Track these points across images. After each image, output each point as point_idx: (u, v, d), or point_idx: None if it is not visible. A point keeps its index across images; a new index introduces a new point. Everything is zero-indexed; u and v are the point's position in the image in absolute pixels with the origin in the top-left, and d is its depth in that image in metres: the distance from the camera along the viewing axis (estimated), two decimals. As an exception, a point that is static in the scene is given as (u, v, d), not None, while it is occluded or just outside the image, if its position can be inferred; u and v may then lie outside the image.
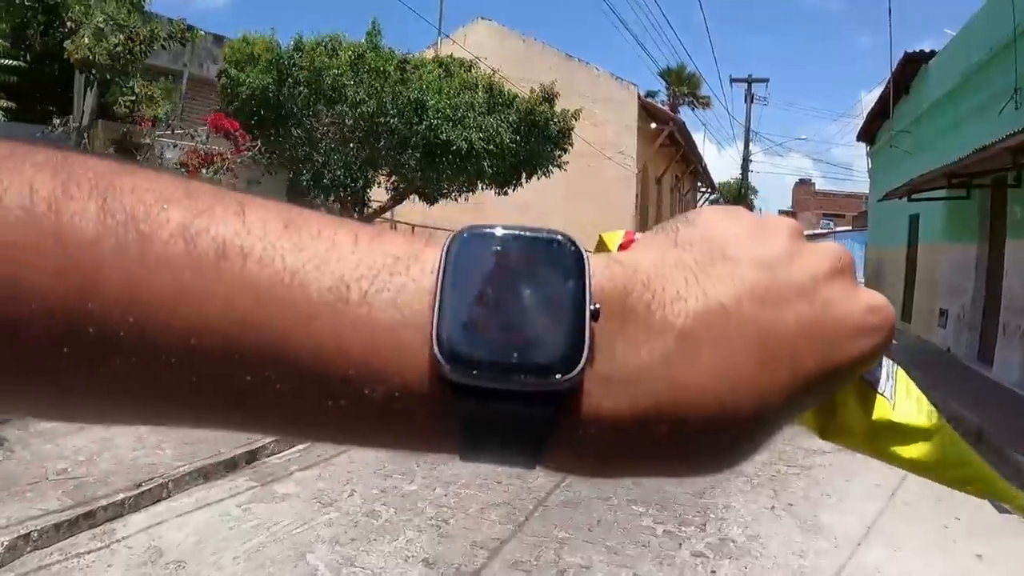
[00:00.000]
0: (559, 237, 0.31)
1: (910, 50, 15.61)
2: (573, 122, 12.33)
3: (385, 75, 9.80)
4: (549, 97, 11.23)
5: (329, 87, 9.88)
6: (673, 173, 27.11)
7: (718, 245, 0.32)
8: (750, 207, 38.43)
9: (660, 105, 27.86)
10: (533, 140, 11.04)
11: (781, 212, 70.17)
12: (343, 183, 10.56)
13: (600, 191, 19.99)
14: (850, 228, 54.13)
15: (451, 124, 9.76)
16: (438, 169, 10.52)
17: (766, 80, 37.94)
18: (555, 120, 11.61)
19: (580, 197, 20.13)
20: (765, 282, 0.31)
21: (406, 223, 21.97)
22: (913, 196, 12.64)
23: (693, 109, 42.63)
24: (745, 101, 37.89)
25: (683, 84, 41.09)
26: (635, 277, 0.30)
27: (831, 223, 59.07)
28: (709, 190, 39.10)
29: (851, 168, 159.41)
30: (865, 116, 20.19)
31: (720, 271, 0.31)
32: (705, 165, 28.99)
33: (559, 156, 12.51)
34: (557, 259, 0.30)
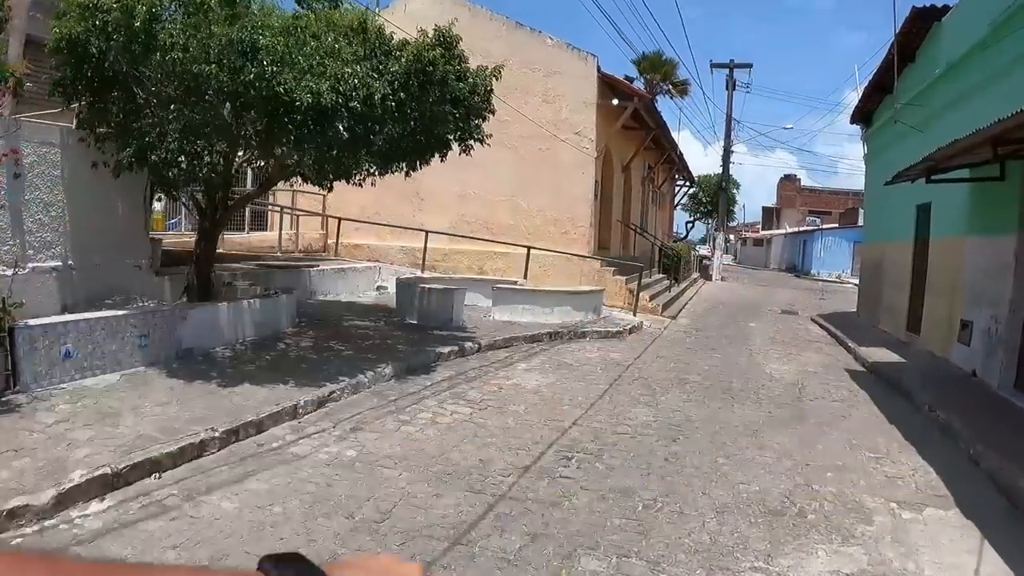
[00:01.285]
0: None
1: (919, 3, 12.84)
2: (493, 81, 9.46)
3: (206, 8, 6.90)
4: (446, 42, 8.37)
5: (141, 30, 6.97)
6: (645, 161, 24.32)
7: None
8: (731, 201, 35.64)
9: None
10: (429, 101, 8.18)
11: (765, 208, 67.74)
12: (174, 161, 7.67)
13: (554, 178, 17.21)
14: (837, 225, 52.02)
15: (293, 72, 6.88)
16: (276, 136, 7.61)
17: (749, 65, 35.27)
18: (460, 75, 8.75)
19: (532, 185, 17.37)
20: None
21: (341, 217, 19.14)
22: (934, 177, 9.85)
23: (671, 97, 39.90)
24: (726, 88, 35.19)
25: (659, 71, 38.35)
26: None
27: (817, 220, 56.74)
28: (687, 183, 36.34)
29: (839, 159, 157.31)
30: (861, 92, 17.43)
31: None
32: (681, 154, 26.22)
33: (476, 125, 9.63)
34: None
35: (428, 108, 8.44)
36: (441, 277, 15.29)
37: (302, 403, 6.99)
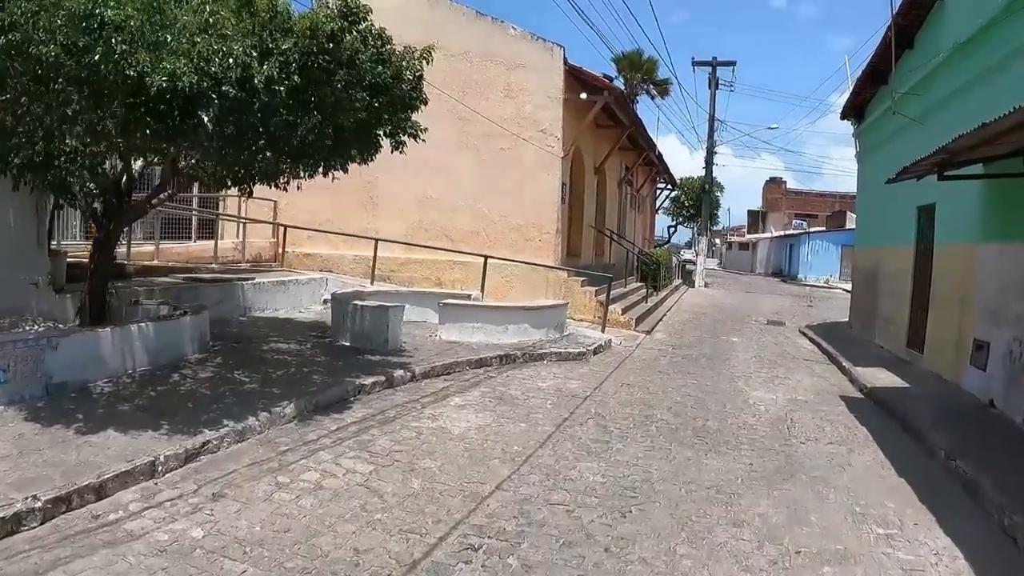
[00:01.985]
0: None
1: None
2: (421, 66, 7.90)
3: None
4: (350, 13, 6.80)
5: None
6: (621, 162, 22.79)
7: None
8: (715, 204, 34.20)
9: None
10: (337, 87, 6.61)
11: (750, 212, 66.49)
12: (39, 164, 6.09)
13: (517, 180, 15.68)
14: (824, 228, 50.77)
15: (152, 52, 5.30)
16: (132, 129, 5.98)
17: (732, 63, 33.84)
18: (380, 58, 7.17)
19: (494, 188, 15.83)
20: None
21: (287, 225, 17.51)
22: (948, 173, 8.34)
23: (652, 98, 38.53)
24: (709, 87, 33.77)
25: (639, 70, 36.92)
26: None
27: (804, 223, 55.47)
28: (669, 186, 34.87)
29: (825, 159, 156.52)
30: (852, 85, 15.98)
31: None
32: (660, 154, 24.68)
33: (404, 118, 8.08)
34: None
35: (335, 95, 6.85)
36: (387, 291, 13.74)
37: (163, 458, 5.42)
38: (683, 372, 10.69)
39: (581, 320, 14.57)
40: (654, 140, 22.96)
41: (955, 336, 10.04)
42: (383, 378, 8.67)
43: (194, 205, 18.23)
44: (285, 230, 17.06)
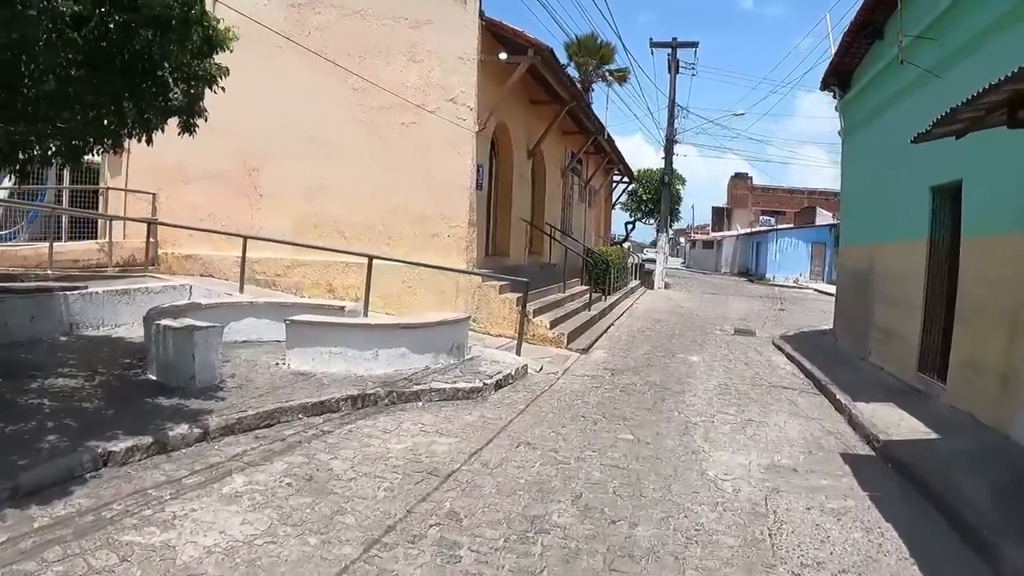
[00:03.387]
0: None
1: None
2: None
3: None
4: None
5: None
6: (566, 148, 19.63)
7: None
8: (675, 198, 31.16)
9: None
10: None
11: (715, 209, 63.90)
12: None
13: (421, 162, 12.53)
14: (792, 225, 48.18)
15: None
16: None
17: (694, 44, 30.94)
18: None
19: (393, 172, 12.68)
20: None
21: (148, 220, 14.20)
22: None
23: (609, 85, 35.45)
24: (669, 71, 30.79)
25: (594, 56, 33.78)
26: None
27: (772, 220, 52.89)
28: (626, 179, 31.80)
29: (794, 151, 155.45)
30: (838, 44, 13.00)
31: None
32: (612, 139, 21.56)
33: (195, 66, 5.03)
34: None
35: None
36: (252, 303, 10.50)
37: None
38: (616, 418, 7.50)
39: (500, 336, 11.41)
40: (603, 123, 19.86)
41: (999, 364, 7.02)
42: (150, 440, 5.48)
43: (64, 200, 15.52)
44: (149, 228, 13.83)
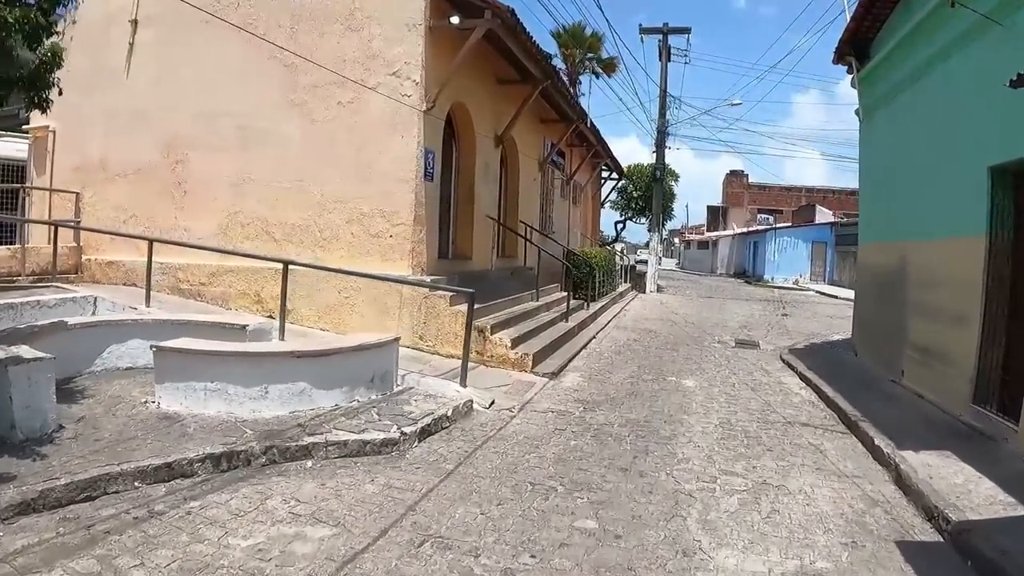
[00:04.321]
0: None
1: None
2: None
3: None
4: None
5: None
6: (544, 138, 17.54)
7: None
8: (668, 196, 29.08)
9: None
10: None
11: (710, 208, 61.90)
12: None
13: (361, 147, 10.54)
14: (790, 224, 46.15)
15: None
16: None
17: (686, 30, 28.86)
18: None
19: (329, 161, 10.67)
20: None
21: (56, 223, 12.17)
22: None
23: (598, 76, 33.50)
24: (660, 59, 28.74)
25: (582, 45, 31.81)
26: None
27: (770, 218, 50.85)
28: (616, 174, 29.71)
29: (791, 150, 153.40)
30: (853, 9, 11.00)
31: None
32: (594, 126, 19.47)
33: None
34: None
35: None
36: (150, 321, 8.47)
37: None
38: (578, 487, 5.39)
39: (451, 357, 9.32)
40: (585, 110, 17.79)
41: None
42: None
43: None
44: (56, 232, 11.87)
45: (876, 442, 6.55)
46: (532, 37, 11.28)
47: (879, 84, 10.87)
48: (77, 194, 12.92)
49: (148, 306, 9.89)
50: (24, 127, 14.90)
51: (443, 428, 6.59)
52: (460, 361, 8.55)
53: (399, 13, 10.23)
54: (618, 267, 24.27)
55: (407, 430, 6.09)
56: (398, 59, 10.20)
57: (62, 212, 13.07)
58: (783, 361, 11.64)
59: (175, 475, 5.06)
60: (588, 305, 15.89)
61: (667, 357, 11.75)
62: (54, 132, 13.79)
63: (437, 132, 10.82)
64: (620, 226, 35.79)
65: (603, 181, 30.09)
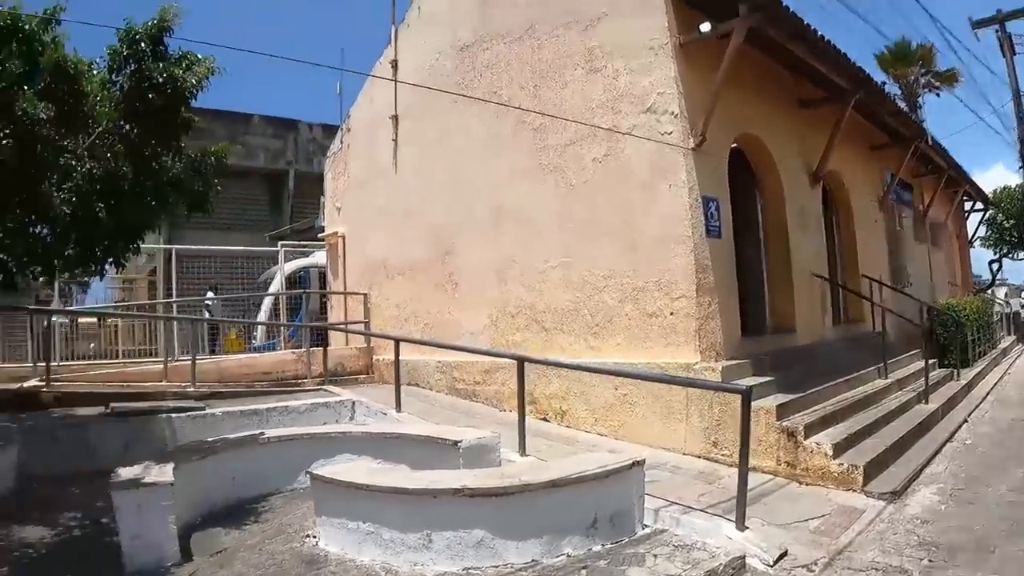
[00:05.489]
0: None
1: None
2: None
3: None
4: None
5: None
6: (881, 168, 14.15)
7: None
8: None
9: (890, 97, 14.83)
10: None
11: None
12: None
13: (622, 208, 8.79)
14: None
15: None
16: None
17: (1030, 13, 23.06)
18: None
19: (590, 230, 9.24)
20: None
21: (328, 327, 11.96)
22: None
23: (938, 95, 28.43)
24: (1003, 53, 23.24)
25: (911, 63, 27.01)
26: None
27: None
28: (979, 202, 24.22)
29: None
30: None
31: None
32: (938, 144, 15.43)
33: None
34: None
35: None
36: (345, 434, 7.40)
37: None
38: None
39: (755, 471, 6.74)
40: (922, 126, 14.19)
41: None
42: None
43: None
44: (325, 335, 12.01)
45: None
46: (818, 32, 8.63)
47: None
48: (365, 295, 13.02)
49: (400, 411, 9.07)
50: (320, 236, 15.45)
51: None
52: (766, 477, 5.99)
53: (639, 37, 8.46)
54: (996, 317, 19.24)
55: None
56: (649, 92, 8.34)
57: (354, 314, 13.31)
58: None
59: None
60: (958, 374, 12.14)
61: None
62: (343, 237, 13.98)
63: (716, 174, 8.57)
64: (995, 266, 29.27)
65: (966, 214, 24.77)
